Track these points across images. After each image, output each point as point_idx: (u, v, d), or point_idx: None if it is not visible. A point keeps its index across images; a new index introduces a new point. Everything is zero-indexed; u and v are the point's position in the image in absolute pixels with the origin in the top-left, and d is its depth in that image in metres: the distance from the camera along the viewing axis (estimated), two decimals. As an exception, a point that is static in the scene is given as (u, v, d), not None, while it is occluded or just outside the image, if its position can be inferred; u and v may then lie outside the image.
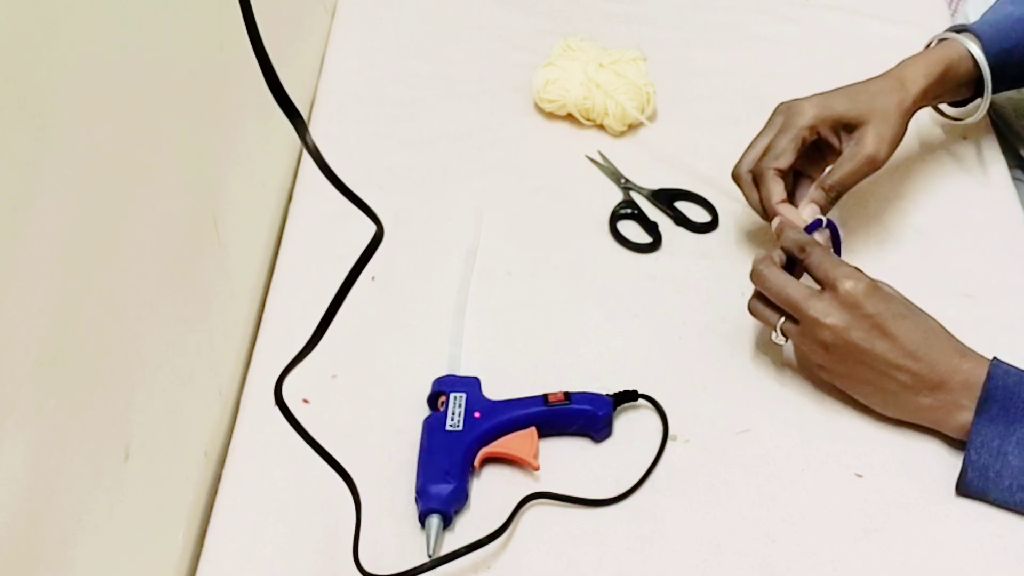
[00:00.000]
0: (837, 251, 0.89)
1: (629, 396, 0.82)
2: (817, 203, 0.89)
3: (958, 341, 0.79)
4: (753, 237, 0.96)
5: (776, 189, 0.89)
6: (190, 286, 0.79)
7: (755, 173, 0.90)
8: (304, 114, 0.53)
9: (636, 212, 0.98)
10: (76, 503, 0.61)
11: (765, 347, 0.87)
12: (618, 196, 1.00)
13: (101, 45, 0.63)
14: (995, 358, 0.78)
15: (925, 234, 0.96)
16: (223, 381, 0.85)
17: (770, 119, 0.92)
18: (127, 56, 0.67)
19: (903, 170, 1.00)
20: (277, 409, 0.64)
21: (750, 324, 0.88)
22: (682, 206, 0.99)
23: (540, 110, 1.08)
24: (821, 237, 0.87)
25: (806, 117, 0.89)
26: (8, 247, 0.53)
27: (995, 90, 0.94)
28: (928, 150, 1.03)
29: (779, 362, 0.86)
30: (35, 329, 0.56)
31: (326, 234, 0.94)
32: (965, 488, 0.77)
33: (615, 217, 0.98)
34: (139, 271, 0.69)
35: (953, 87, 0.95)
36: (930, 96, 0.93)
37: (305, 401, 0.83)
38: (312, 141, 0.53)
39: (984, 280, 0.93)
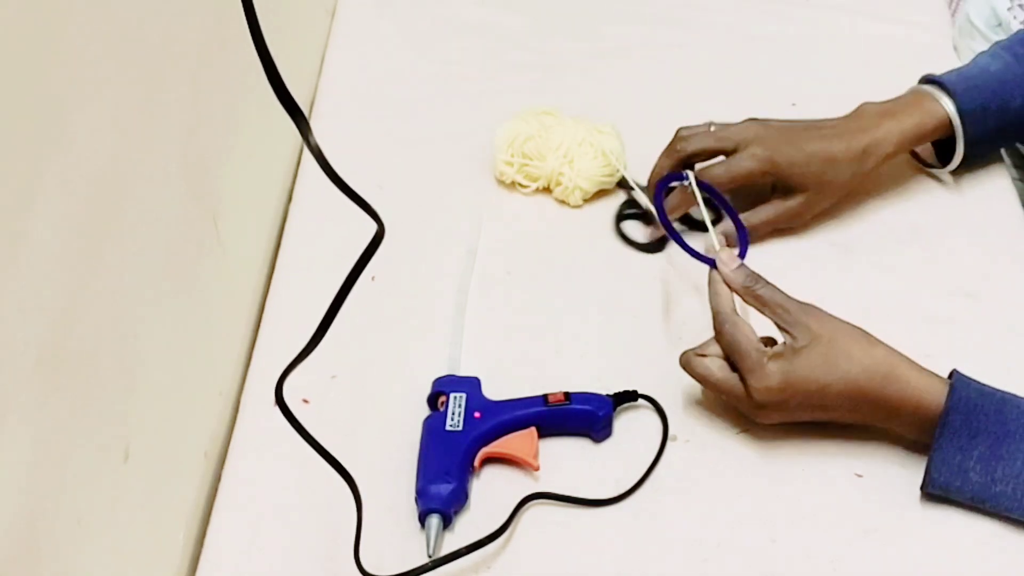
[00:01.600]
0: (743, 248, 0.88)
1: (629, 396, 0.82)
2: (726, 235, 0.90)
3: (895, 360, 0.76)
4: (754, 237, 0.95)
5: (663, 165, 0.93)
6: (190, 286, 0.79)
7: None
8: (304, 114, 0.53)
9: (640, 212, 0.98)
10: (76, 503, 0.61)
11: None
12: (621, 196, 1.00)
13: (102, 45, 0.63)
14: (955, 372, 0.76)
15: (925, 234, 0.96)
16: (223, 381, 0.85)
17: (730, 126, 0.92)
18: (128, 55, 0.67)
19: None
20: (277, 409, 0.64)
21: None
22: (682, 206, 0.99)
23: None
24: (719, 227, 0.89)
25: (753, 162, 0.89)
26: (8, 247, 0.53)
27: (968, 148, 0.93)
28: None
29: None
30: (35, 329, 0.56)
31: (326, 234, 0.94)
32: (927, 492, 0.76)
33: (619, 217, 0.97)
34: (139, 271, 0.69)
35: (923, 141, 0.95)
36: (895, 156, 0.93)
37: (305, 401, 0.83)
38: (314, 140, 0.53)
39: (984, 280, 0.92)
